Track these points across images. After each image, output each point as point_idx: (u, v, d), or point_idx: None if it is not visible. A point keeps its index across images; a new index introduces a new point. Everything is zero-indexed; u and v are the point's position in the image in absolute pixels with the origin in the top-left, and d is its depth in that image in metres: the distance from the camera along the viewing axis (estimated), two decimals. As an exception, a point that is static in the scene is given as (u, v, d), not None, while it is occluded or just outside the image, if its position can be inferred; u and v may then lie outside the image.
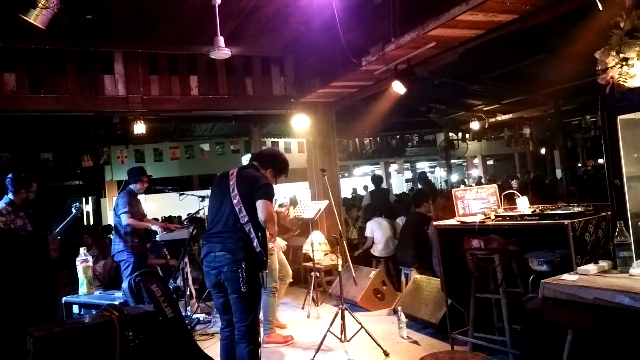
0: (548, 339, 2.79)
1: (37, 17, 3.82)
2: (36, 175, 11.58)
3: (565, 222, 3.14)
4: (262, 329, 4.63)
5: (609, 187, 2.79)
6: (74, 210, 5.34)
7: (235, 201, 3.25)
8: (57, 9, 3.88)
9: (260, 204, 3.20)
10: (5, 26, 4.97)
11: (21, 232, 4.68)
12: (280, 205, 4.91)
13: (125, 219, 5.32)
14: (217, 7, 4.41)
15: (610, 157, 2.79)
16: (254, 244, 3.20)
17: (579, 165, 16.50)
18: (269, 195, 3.26)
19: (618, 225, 2.57)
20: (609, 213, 3.16)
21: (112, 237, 5.95)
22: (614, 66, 2.78)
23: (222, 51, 4.60)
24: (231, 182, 3.35)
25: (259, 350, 3.31)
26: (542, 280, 2.58)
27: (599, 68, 2.87)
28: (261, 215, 3.19)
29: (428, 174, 23.24)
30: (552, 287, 2.49)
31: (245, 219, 3.22)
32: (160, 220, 7.73)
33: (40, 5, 3.77)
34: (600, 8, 3.07)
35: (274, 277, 4.78)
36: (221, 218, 3.30)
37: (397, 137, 17.90)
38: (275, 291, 4.82)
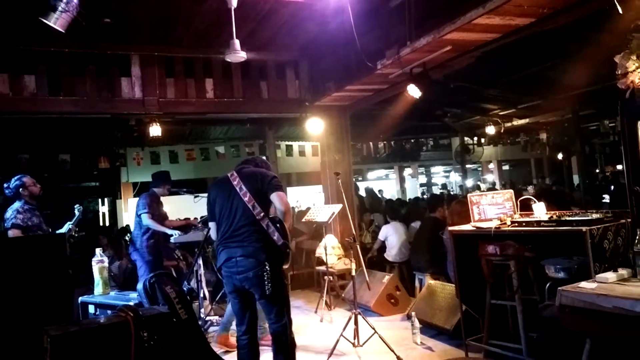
0: (565, 348, 2.75)
1: (57, 21, 3.89)
2: (54, 176, 11.74)
3: (584, 228, 3.09)
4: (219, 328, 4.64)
5: (628, 194, 2.75)
6: (76, 213, 5.41)
7: (246, 199, 3.24)
8: (77, 12, 3.94)
9: (275, 196, 3.25)
10: (27, 30, 5.07)
11: (37, 230, 4.78)
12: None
13: (146, 219, 5.40)
14: (232, 10, 4.43)
15: (630, 163, 2.75)
16: (275, 237, 3.19)
17: (597, 171, 16.25)
18: (281, 187, 3.32)
19: (638, 232, 2.53)
20: (629, 220, 3.11)
21: (128, 237, 6.01)
22: (634, 70, 2.75)
23: (237, 54, 4.62)
24: (235, 183, 3.32)
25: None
26: (559, 288, 2.54)
27: (619, 72, 2.84)
28: (280, 207, 3.25)
29: (442, 179, 23.18)
30: (570, 294, 2.45)
31: (261, 215, 3.21)
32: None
33: (60, 9, 3.84)
34: (620, 11, 3.03)
35: None
36: (234, 219, 3.26)
37: (412, 141, 17.77)
38: None
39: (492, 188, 14.18)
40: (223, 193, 3.37)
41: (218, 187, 3.48)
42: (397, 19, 4.70)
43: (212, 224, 3.45)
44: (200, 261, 5.59)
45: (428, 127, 14.71)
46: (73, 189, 14.78)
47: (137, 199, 5.92)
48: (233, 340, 4.69)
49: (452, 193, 15.84)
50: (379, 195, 13.60)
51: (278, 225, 3.23)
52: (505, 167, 20.40)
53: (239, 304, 3.33)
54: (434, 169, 22.62)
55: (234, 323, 4.71)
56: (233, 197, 3.29)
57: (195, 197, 6.09)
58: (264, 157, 4.07)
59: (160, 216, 5.64)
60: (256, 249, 3.18)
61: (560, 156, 14.22)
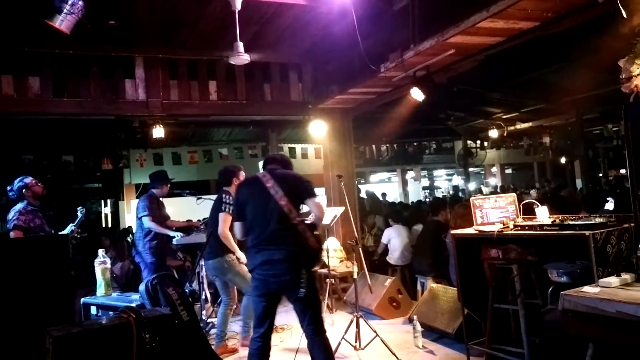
0: (567, 353, 2.74)
1: (62, 23, 3.91)
2: (58, 177, 11.76)
3: (587, 233, 3.08)
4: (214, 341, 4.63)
5: (632, 198, 2.75)
6: (79, 214, 5.42)
7: (283, 203, 3.21)
8: (82, 15, 3.96)
9: (312, 203, 3.30)
10: (32, 32, 5.10)
11: (39, 232, 4.79)
12: None
13: (147, 222, 5.38)
14: (237, 13, 4.45)
15: (633, 167, 2.74)
16: (310, 242, 3.21)
17: (600, 175, 16.22)
18: (315, 193, 3.37)
19: (642, 237, 2.52)
20: (632, 225, 3.10)
21: (130, 239, 6.02)
22: (638, 74, 2.74)
23: (241, 57, 4.64)
24: (269, 185, 3.28)
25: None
26: (562, 292, 2.54)
27: (623, 76, 2.84)
28: (318, 213, 3.31)
29: (445, 182, 23.16)
30: (573, 299, 2.44)
31: (298, 219, 3.22)
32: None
33: (65, 11, 3.86)
34: (625, 15, 3.03)
35: (229, 293, 4.77)
36: (270, 223, 3.21)
37: (415, 144, 17.80)
38: (231, 305, 4.78)
39: (495, 192, 14.16)
40: (256, 194, 3.32)
41: (249, 187, 3.44)
42: (400, 22, 4.71)
43: (239, 224, 3.40)
44: (202, 263, 5.59)
45: (431, 130, 14.72)
46: (76, 190, 14.82)
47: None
48: (231, 344, 4.69)
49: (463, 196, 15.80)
50: (380, 198, 13.62)
51: (313, 229, 3.25)
52: (508, 171, 20.38)
53: (265, 307, 3.28)
54: (436, 172, 22.62)
55: (228, 327, 4.76)
56: (268, 200, 3.25)
57: (198, 199, 6.09)
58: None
59: (161, 217, 5.63)
60: (294, 253, 3.17)
61: (563, 160, 14.21)
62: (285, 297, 3.28)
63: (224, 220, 4.48)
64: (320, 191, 5.34)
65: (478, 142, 14.44)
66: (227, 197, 4.48)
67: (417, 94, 5.15)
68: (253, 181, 3.45)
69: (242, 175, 4.73)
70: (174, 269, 6.43)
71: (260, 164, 3.74)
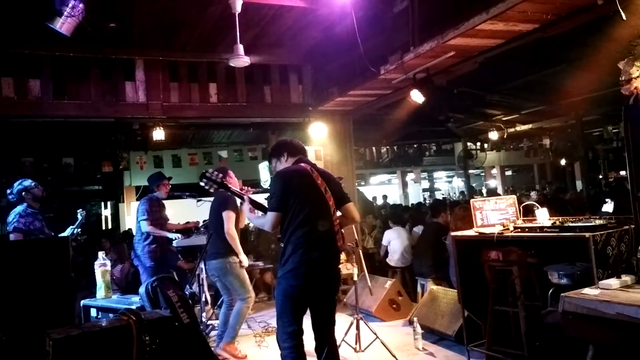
0: (568, 354, 2.74)
1: (62, 25, 3.91)
2: (58, 179, 11.74)
3: (587, 234, 3.08)
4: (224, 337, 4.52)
5: (632, 200, 2.75)
6: (79, 217, 5.42)
7: (330, 203, 3.16)
8: (82, 17, 3.97)
9: (352, 206, 3.31)
10: (32, 34, 5.10)
11: (39, 234, 4.79)
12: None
13: (144, 226, 5.38)
14: (237, 15, 4.46)
15: (633, 169, 2.75)
16: (340, 243, 3.22)
17: (600, 177, 16.23)
18: None
19: (642, 239, 2.52)
20: (632, 226, 3.10)
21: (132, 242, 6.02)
22: (638, 76, 2.75)
23: (241, 59, 4.65)
24: (319, 182, 3.17)
25: None
26: (562, 294, 2.54)
27: (623, 78, 2.84)
28: (357, 217, 3.38)
29: (445, 184, 23.17)
30: (573, 301, 2.44)
31: (338, 220, 3.21)
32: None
33: (65, 13, 3.86)
34: (624, 17, 3.03)
35: (247, 288, 4.62)
36: (325, 220, 3.11)
37: (415, 146, 17.84)
38: (233, 305, 4.63)
39: (492, 194, 14.16)
40: (310, 189, 3.15)
41: (300, 180, 3.18)
42: (400, 24, 4.72)
43: (276, 214, 3.08)
44: (202, 265, 5.59)
45: (431, 132, 14.73)
46: (76, 192, 14.85)
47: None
48: (232, 349, 4.64)
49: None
50: (371, 200, 13.59)
51: (342, 231, 3.26)
52: (508, 173, 20.39)
53: (303, 308, 3.20)
54: (436, 174, 22.63)
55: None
56: (321, 198, 3.14)
57: (198, 201, 6.08)
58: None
59: (162, 219, 5.63)
60: (337, 253, 3.20)
61: (563, 162, 14.21)
62: (317, 298, 3.21)
63: (229, 218, 4.42)
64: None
65: (478, 144, 14.46)
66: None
67: (417, 96, 5.16)
68: (304, 173, 3.20)
69: (232, 173, 4.64)
70: (186, 271, 6.44)
71: (264, 165, 3.69)
